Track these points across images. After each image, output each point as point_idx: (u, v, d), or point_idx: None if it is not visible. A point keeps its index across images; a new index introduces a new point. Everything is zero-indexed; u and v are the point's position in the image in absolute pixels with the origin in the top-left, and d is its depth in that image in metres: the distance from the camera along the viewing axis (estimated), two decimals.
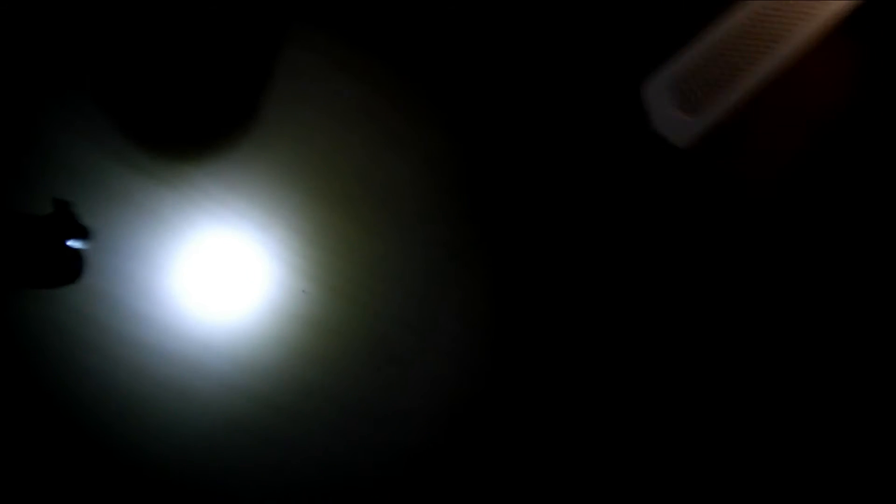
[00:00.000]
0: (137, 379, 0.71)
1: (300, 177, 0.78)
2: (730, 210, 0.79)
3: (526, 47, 0.81)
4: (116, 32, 0.76)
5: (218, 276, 0.75)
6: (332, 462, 0.73)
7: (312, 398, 0.73)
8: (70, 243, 0.69)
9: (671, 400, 0.77)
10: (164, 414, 0.71)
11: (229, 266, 0.75)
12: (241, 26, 0.79)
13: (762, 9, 0.74)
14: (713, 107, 0.74)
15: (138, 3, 0.76)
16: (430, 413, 0.74)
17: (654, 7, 0.79)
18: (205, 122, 0.77)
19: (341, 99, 0.79)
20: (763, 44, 0.75)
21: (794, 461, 0.76)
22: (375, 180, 0.78)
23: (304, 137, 0.79)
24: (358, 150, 0.79)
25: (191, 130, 0.77)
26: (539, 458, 0.75)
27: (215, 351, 0.73)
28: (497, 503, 0.74)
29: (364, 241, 0.77)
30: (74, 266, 0.69)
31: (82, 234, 0.70)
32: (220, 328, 0.74)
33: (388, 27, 0.81)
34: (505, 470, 0.75)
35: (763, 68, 0.74)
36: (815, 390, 0.77)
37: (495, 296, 0.77)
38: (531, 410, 0.76)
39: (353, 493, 0.73)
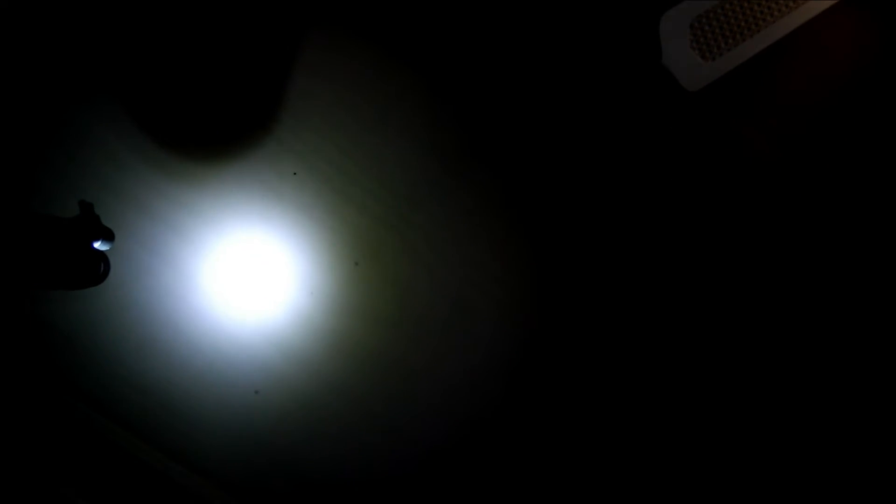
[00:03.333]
0: (139, 359, 0.75)
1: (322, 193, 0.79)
2: (728, 163, 0.78)
3: None
4: (139, 36, 0.75)
5: (231, 277, 0.77)
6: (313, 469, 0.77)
7: (316, 411, 0.77)
8: (95, 245, 0.70)
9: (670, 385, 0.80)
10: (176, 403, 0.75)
11: (243, 267, 0.77)
12: (264, 31, 0.77)
13: None
14: (728, 55, 0.72)
15: (162, 9, 0.74)
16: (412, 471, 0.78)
17: None
18: (228, 122, 0.77)
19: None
20: (788, 1, 0.72)
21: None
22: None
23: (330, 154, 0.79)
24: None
25: (214, 131, 0.77)
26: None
27: (217, 341, 0.76)
28: None
29: (381, 287, 0.79)
30: (99, 267, 0.70)
31: (107, 236, 0.71)
32: (225, 322, 0.77)
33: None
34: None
35: (785, 26, 0.73)
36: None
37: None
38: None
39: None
